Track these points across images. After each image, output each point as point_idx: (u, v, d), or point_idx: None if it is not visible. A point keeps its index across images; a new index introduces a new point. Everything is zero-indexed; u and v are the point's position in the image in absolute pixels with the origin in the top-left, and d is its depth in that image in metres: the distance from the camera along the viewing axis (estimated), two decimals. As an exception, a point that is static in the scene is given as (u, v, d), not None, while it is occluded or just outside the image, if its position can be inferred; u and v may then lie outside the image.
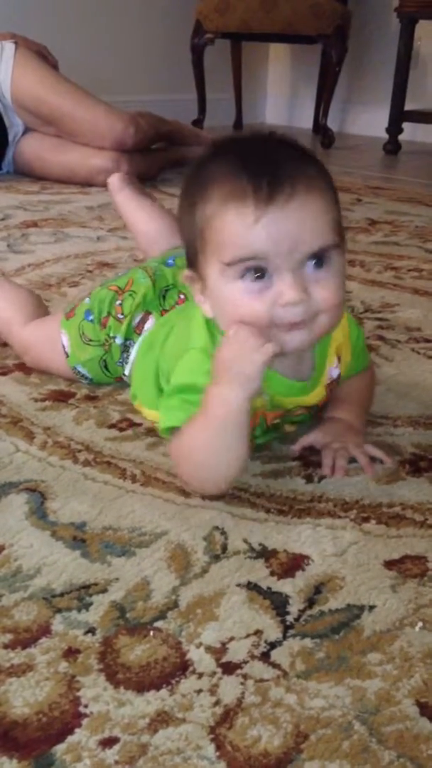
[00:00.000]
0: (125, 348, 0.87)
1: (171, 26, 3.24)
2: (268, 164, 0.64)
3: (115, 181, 1.26)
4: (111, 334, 0.87)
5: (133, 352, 0.86)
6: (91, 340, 0.89)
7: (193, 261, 0.70)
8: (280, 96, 3.83)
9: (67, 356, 0.91)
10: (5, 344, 1.02)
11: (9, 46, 2.13)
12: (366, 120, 3.45)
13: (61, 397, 0.90)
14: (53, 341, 0.92)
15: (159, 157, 2.36)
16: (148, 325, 0.86)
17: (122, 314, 0.87)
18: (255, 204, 0.62)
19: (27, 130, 2.20)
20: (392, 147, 3.01)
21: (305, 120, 3.67)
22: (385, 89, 3.03)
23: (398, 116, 2.96)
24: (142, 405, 0.83)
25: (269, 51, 3.76)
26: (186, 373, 0.72)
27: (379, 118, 3.14)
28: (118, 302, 0.88)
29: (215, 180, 0.65)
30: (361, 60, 3.40)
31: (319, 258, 0.65)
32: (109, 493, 0.71)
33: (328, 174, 0.68)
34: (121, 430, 0.83)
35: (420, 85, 3.22)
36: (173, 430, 0.71)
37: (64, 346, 0.91)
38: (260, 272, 0.64)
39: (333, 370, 0.79)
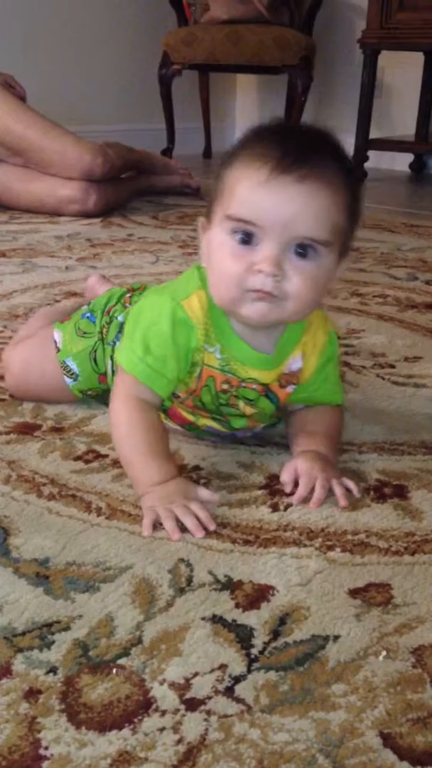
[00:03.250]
0: (122, 327, 0.88)
1: (139, 57, 3.29)
2: (301, 146, 0.68)
3: (92, 279, 1.23)
4: (114, 315, 0.89)
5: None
6: (86, 333, 0.91)
7: (210, 210, 0.74)
8: (249, 124, 3.84)
9: (59, 351, 0.92)
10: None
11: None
12: (332, 148, 3.51)
13: (27, 429, 0.89)
14: (46, 338, 0.94)
15: (128, 186, 2.38)
16: None
17: (129, 303, 0.90)
18: (272, 169, 0.66)
19: (-5, 160, 2.20)
20: (358, 174, 3.06)
21: (273, 148, 3.72)
22: (350, 118, 3.09)
23: (363, 144, 3.02)
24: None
25: (236, 81, 3.82)
26: (149, 309, 0.78)
27: (345, 145, 3.18)
28: (128, 295, 0.92)
29: (254, 143, 0.70)
30: (327, 89, 3.47)
31: (305, 248, 0.68)
32: (73, 528, 0.71)
33: (352, 186, 0.72)
34: (87, 462, 0.83)
35: (384, 114, 3.29)
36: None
37: (56, 342, 0.92)
38: (248, 237, 0.68)
39: (294, 362, 0.80)
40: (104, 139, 2.33)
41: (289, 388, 0.82)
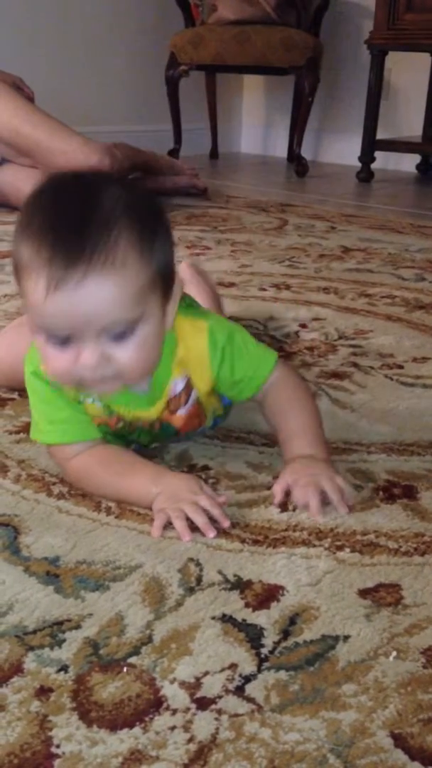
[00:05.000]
0: None
1: (146, 58, 3.29)
2: (72, 231, 0.62)
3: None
4: None
5: None
6: None
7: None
8: (255, 125, 3.89)
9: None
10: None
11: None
12: (339, 149, 3.51)
13: (36, 430, 0.89)
14: (25, 329, 0.92)
15: (135, 187, 2.38)
16: None
17: None
18: (47, 282, 0.62)
19: (3, 161, 2.21)
20: (365, 175, 3.05)
21: (280, 149, 3.72)
22: (357, 119, 3.09)
23: (370, 145, 3.01)
24: None
25: (243, 81, 3.82)
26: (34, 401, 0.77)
27: (352, 146, 3.20)
28: None
29: (29, 231, 0.64)
30: (334, 90, 3.47)
31: (120, 332, 0.65)
32: (83, 526, 0.71)
33: (148, 224, 0.66)
34: (96, 461, 0.83)
35: (391, 115, 3.29)
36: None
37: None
38: (64, 339, 0.65)
39: (177, 383, 0.78)
40: (111, 139, 2.33)
41: (181, 411, 0.79)
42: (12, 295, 1.43)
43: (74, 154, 2.13)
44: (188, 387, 0.78)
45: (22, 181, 2.20)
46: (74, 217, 0.63)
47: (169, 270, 0.71)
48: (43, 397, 0.76)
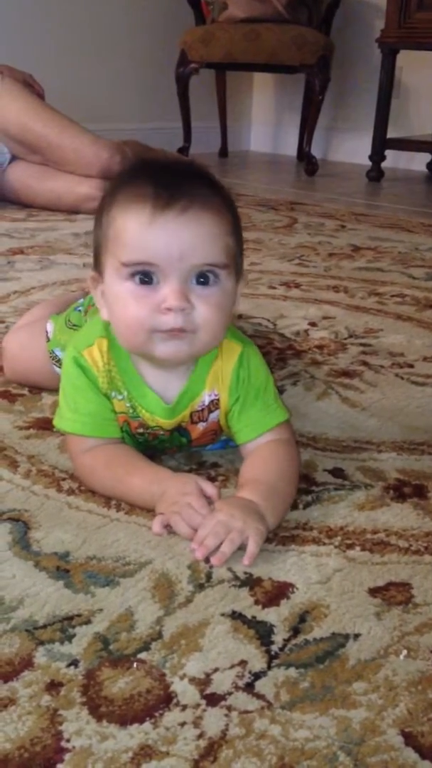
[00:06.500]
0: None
1: (156, 56, 3.29)
2: (173, 180, 0.68)
3: None
4: (87, 320, 0.90)
5: None
6: (74, 325, 0.92)
7: (97, 262, 0.73)
8: (265, 124, 3.88)
9: (49, 341, 0.94)
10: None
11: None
12: (349, 147, 3.50)
13: (46, 425, 0.90)
14: (41, 327, 0.95)
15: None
16: None
17: None
18: (153, 208, 0.66)
19: (13, 158, 2.21)
20: (375, 174, 3.05)
21: (290, 147, 3.72)
22: (368, 117, 3.09)
23: (381, 144, 3.01)
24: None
25: (253, 79, 3.82)
26: (64, 382, 0.77)
27: (362, 145, 3.19)
28: None
29: (125, 187, 0.70)
30: (345, 88, 3.46)
31: (206, 275, 0.68)
32: (93, 522, 0.71)
33: (232, 207, 0.72)
34: (106, 458, 0.83)
35: (402, 113, 3.28)
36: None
37: (47, 332, 0.94)
38: (148, 277, 0.68)
39: (206, 396, 0.77)
40: (121, 137, 2.33)
41: (200, 425, 0.79)
42: (22, 292, 1.44)
43: (84, 151, 2.14)
44: (214, 403, 0.78)
45: (32, 178, 2.21)
46: (173, 175, 0.69)
47: (241, 259, 0.74)
48: (76, 383, 0.76)
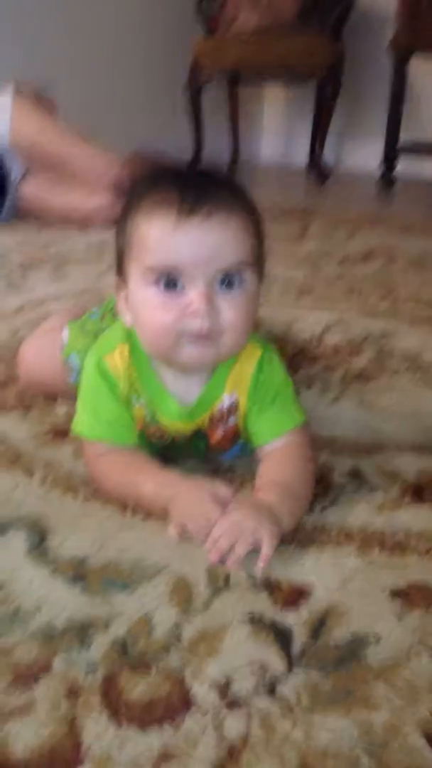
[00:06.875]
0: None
1: (168, 67, 3.31)
2: (197, 185, 0.69)
3: None
4: (104, 326, 0.90)
5: None
6: (89, 331, 0.92)
7: (121, 267, 0.74)
8: (276, 133, 3.89)
9: (64, 347, 0.94)
10: (5, 383, 1.02)
11: (6, 94, 2.17)
12: (361, 153, 3.50)
13: (61, 433, 0.90)
14: (55, 336, 0.95)
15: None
16: None
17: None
18: (178, 212, 0.66)
19: (27, 172, 2.23)
20: (387, 180, 3.04)
21: (301, 154, 3.72)
22: (379, 123, 3.08)
23: (393, 149, 3.00)
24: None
25: (264, 92, 3.83)
26: (84, 387, 0.78)
27: (374, 151, 3.18)
28: None
29: (149, 193, 0.70)
30: (356, 95, 3.46)
31: (231, 279, 0.68)
32: (109, 528, 0.71)
33: (255, 211, 0.72)
34: (122, 464, 0.83)
35: (414, 119, 3.27)
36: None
37: (63, 339, 0.94)
38: (173, 282, 0.68)
39: (226, 399, 0.77)
40: (132, 148, 2.34)
41: (220, 429, 0.78)
42: (36, 303, 1.44)
43: (95, 164, 2.16)
44: (234, 407, 0.78)
45: (45, 192, 2.23)
46: (196, 181, 0.70)
47: (264, 263, 0.74)
48: (96, 388, 0.76)
